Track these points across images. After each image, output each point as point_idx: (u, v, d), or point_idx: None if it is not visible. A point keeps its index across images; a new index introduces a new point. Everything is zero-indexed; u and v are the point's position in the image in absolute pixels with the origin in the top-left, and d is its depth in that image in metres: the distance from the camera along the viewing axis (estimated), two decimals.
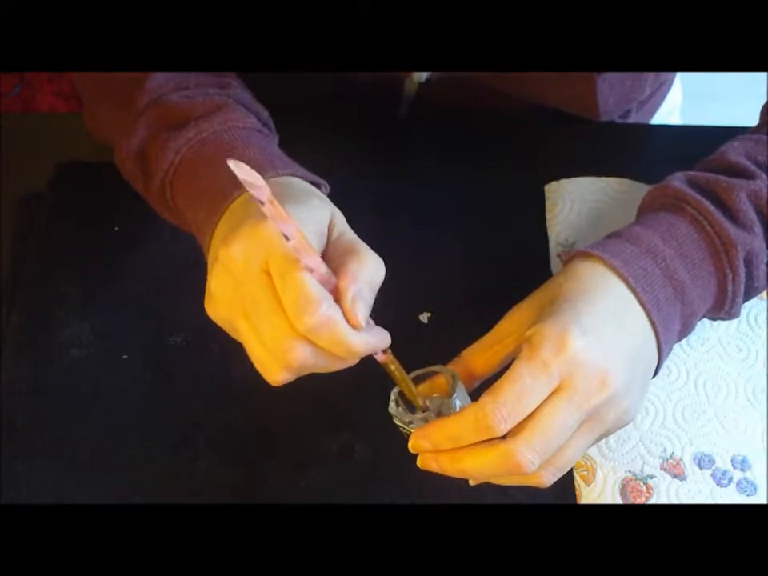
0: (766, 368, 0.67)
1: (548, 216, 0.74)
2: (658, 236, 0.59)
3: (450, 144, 0.79)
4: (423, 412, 0.54)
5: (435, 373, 0.57)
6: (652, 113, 0.94)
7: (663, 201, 0.62)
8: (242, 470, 0.64)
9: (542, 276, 0.71)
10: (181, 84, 0.65)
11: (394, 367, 0.54)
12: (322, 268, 0.49)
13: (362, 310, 0.50)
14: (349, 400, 0.66)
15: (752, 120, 0.72)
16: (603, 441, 0.64)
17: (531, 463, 0.50)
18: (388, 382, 0.62)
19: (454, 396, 0.54)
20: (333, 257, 0.52)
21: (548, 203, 0.74)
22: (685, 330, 0.59)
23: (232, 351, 0.68)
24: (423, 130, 0.81)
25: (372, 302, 0.51)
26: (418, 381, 0.56)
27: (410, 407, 0.55)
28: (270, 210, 0.46)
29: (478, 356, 0.58)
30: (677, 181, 0.63)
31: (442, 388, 0.56)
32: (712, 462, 0.63)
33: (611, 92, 0.80)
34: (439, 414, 0.54)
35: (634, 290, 0.56)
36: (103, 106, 0.69)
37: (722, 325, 0.68)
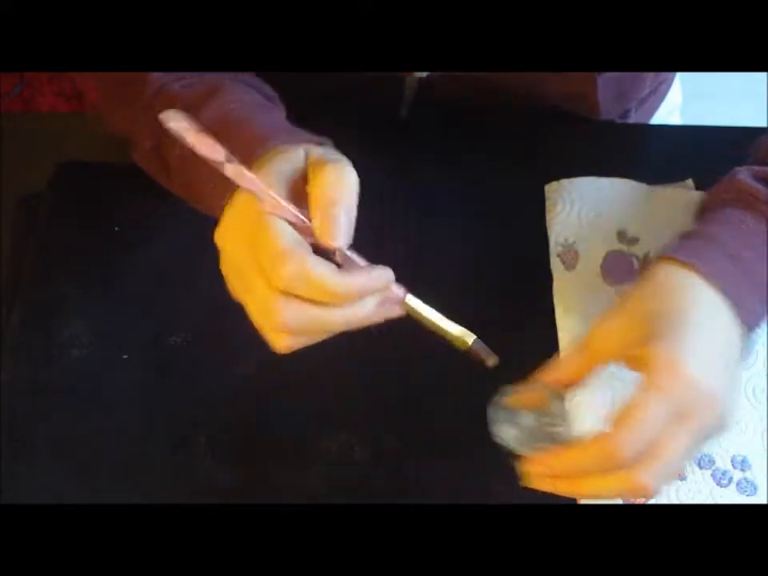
0: (765, 368, 0.67)
1: (548, 216, 0.74)
2: (739, 237, 0.58)
3: (450, 144, 0.79)
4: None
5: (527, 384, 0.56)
6: (651, 112, 0.94)
7: (731, 196, 0.61)
8: (242, 470, 0.64)
9: (541, 276, 0.71)
10: (180, 75, 0.65)
11: (410, 307, 0.53)
12: (297, 217, 0.48)
13: (333, 231, 0.48)
14: (349, 400, 0.66)
15: (752, 120, 0.72)
16: None
17: (654, 488, 0.51)
18: (388, 381, 0.62)
19: (562, 417, 0.54)
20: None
21: (548, 203, 0.74)
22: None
23: (232, 351, 0.68)
24: (423, 128, 0.81)
25: (350, 216, 0.49)
26: (509, 392, 0.56)
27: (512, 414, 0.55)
28: (231, 171, 0.47)
29: (571, 369, 0.56)
30: (742, 175, 0.62)
31: (535, 402, 0.55)
32: (712, 462, 0.63)
33: (611, 90, 0.80)
34: (549, 437, 0.54)
35: (732, 304, 0.55)
36: (114, 103, 0.70)
37: None
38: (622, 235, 0.72)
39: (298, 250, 0.47)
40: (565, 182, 0.75)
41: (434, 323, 0.54)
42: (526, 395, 0.56)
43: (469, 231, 0.74)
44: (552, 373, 0.56)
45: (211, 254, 0.73)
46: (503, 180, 0.76)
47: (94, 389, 0.67)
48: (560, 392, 0.56)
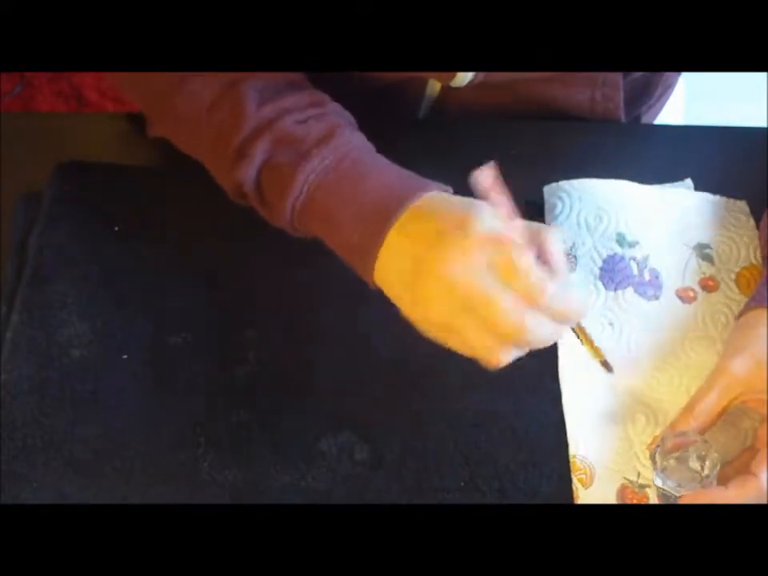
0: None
1: (547, 218, 0.73)
2: None
3: (450, 144, 0.79)
4: (607, 370, 0.64)
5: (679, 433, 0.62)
6: (656, 115, 0.94)
7: None
8: (242, 470, 0.64)
9: None
10: (285, 107, 0.65)
11: (579, 328, 0.62)
12: (528, 251, 0.57)
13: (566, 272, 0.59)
14: (349, 400, 0.66)
15: (752, 120, 0.72)
16: (603, 446, 0.64)
17: None
18: (388, 381, 0.62)
19: (713, 464, 0.60)
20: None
21: (547, 205, 0.74)
22: None
23: (232, 351, 0.69)
24: (425, 129, 0.81)
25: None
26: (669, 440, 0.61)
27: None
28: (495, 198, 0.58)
29: (709, 416, 0.62)
30: None
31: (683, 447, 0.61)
32: None
33: (625, 95, 0.80)
34: (699, 480, 0.60)
35: None
36: (189, 128, 0.68)
37: (719, 333, 0.68)
38: (621, 238, 0.72)
39: (551, 280, 0.57)
40: (564, 183, 0.75)
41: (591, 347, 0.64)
42: (677, 442, 0.61)
43: None
44: (691, 420, 0.61)
45: (211, 254, 0.73)
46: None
47: (94, 389, 0.67)
48: (705, 438, 0.61)
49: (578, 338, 0.63)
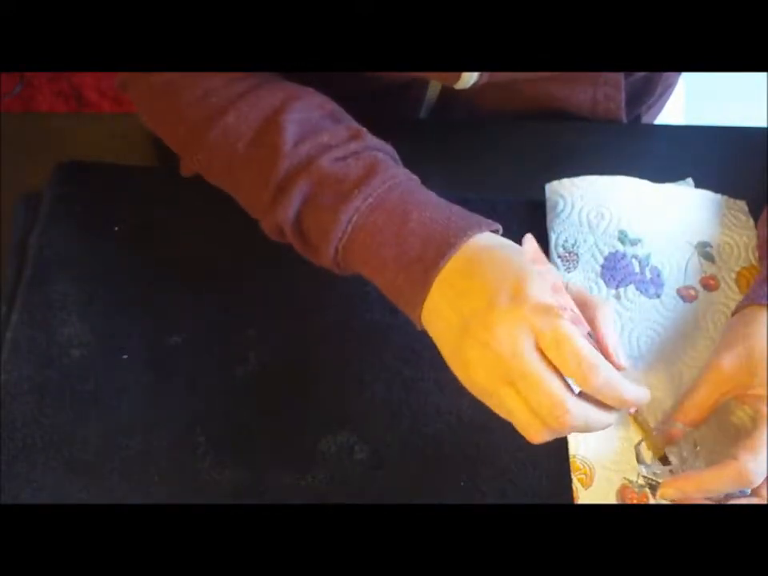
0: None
1: (548, 216, 0.73)
2: None
3: (451, 143, 0.79)
4: (664, 464, 0.61)
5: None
6: (656, 114, 0.94)
7: None
8: (242, 470, 0.64)
9: None
10: (324, 143, 0.63)
11: (641, 419, 0.62)
12: (582, 328, 0.56)
13: (624, 358, 0.57)
14: (349, 400, 0.66)
15: (752, 120, 0.72)
16: (603, 446, 0.64)
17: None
18: (388, 381, 0.62)
19: (696, 449, 0.62)
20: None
21: (548, 203, 0.74)
22: None
23: (232, 351, 0.68)
24: (426, 129, 0.81)
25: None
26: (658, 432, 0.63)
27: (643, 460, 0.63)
28: (556, 290, 0.56)
29: (699, 411, 0.62)
30: None
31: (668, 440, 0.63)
32: None
33: (627, 94, 0.80)
34: (685, 464, 0.61)
35: None
36: (224, 165, 0.67)
37: (719, 332, 0.68)
38: (623, 236, 0.72)
39: (604, 361, 0.55)
40: (566, 181, 0.75)
41: (649, 436, 0.63)
42: (666, 434, 0.62)
43: None
44: (681, 416, 0.62)
45: (211, 254, 0.73)
46: (503, 179, 0.76)
47: (94, 389, 0.67)
48: (692, 431, 0.62)
49: (636, 426, 0.62)
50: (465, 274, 0.57)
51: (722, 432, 0.64)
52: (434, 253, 0.58)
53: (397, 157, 0.66)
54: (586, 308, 0.58)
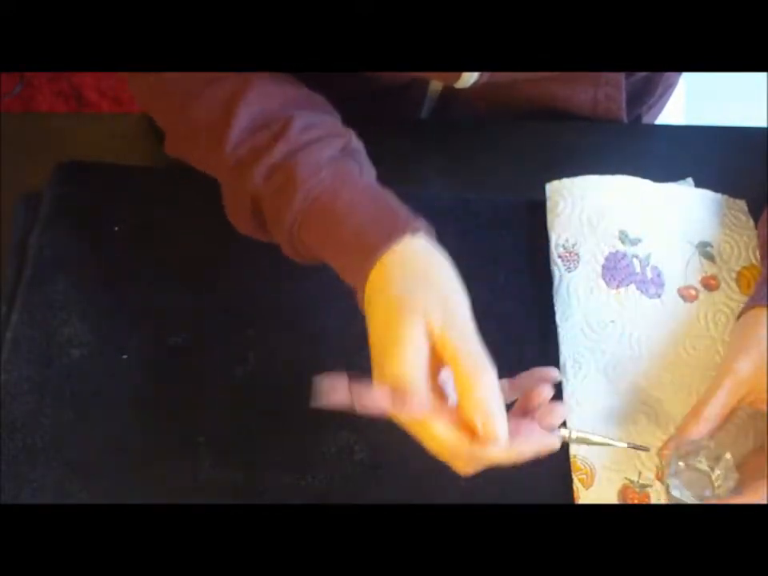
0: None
1: (549, 216, 0.73)
2: None
3: (451, 143, 0.79)
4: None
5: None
6: (657, 114, 0.94)
7: None
8: (242, 470, 0.64)
9: (542, 276, 0.71)
10: (256, 146, 0.64)
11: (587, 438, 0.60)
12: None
13: (498, 429, 0.54)
14: None
15: (752, 120, 0.72)
16: (604, 448, 0.64)
17: None
18: None
19: (727, 458, 0.60)
20: (443, 354, 0.55)
21: (549, 203, 0.74)
22: None
23: (232, 351, 0.68)
24: (426, 129, 0.81)
25: (503, 406, 0.54)
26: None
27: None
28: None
29: (719, 419, 0.61)
30: None
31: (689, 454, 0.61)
32: None
33: (628, 94, 0.80)
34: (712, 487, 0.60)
35: None
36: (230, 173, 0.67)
37: (719, 332, 0.68)
38: (623, 236, 0.72)
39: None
40: (566, 181, 0.75)
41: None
42: (689, 449, 0.61)
43: (468, 231, 0.74)
44: (701, 424, 0.61)
45: (212, 254, 0.73)
46: (504, 179, 0.76)
47: (94, 389, 0.67)
48: (713, 445, 0.61)
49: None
50: (377, 293, 0.58)
51: (734, 439, 0.64)
52: (356, 277, 0.59)
53: (339, 130, 0.65)
54: (457, 373, 0.56)
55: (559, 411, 0.58)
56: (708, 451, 0.60)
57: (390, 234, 0.59)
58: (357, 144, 0.66)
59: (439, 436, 0.55)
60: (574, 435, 0.58)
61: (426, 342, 0.55)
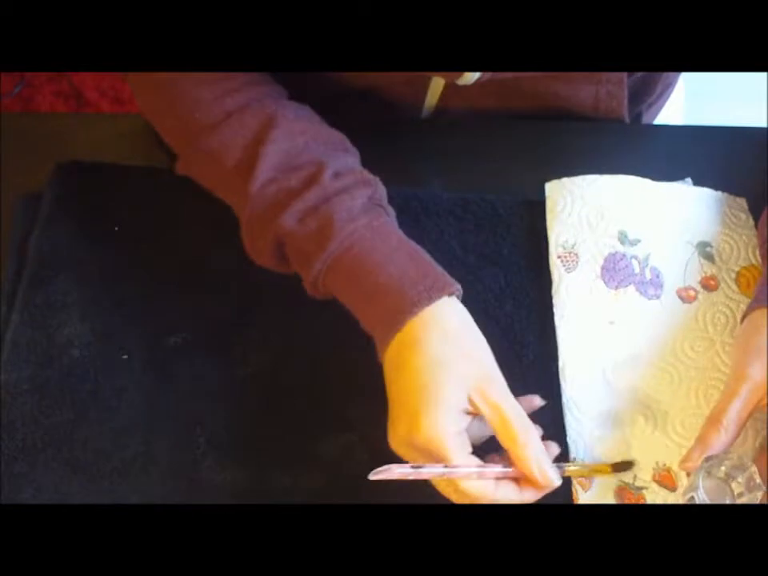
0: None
1: (548, 216, 0.73)
2: None
3: (451, 143, 0.79)
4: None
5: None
6: (657, 114, 0.94)
7: None
8: (242, 470, 0.64)
9: (542, 276, 0.71)
10: (287, 187, 0.64)
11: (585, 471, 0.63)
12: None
13: (554, 478, 0.58)
14: (349, 400, 0.66)
15: (752, 120, 0.72)
16: (602, 448, 0.64)
17: None
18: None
19: (752, 470, 0.59)
20: (483, 414, 0.58)
21: (548, 202, 0.74)
22: None
23: (232, 351, 0.68)
24: (426, 129, 0.81)
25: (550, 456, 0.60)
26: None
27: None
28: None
29: (739, 427, 0.61)
30: None
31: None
32: None
33: (628, 92, 0.80)
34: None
35: None
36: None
37: (719, 333, 0.68)
38: (623, 236, 0.72)
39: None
40: (566, 180, 0.74)
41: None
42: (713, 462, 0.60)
43: (468, 231, 0.74)
44: (722, 432, 0.60)
45: (211, 254, 0.73)
46: (503, 179, 0.76)
47: (94, 389, 0.67)
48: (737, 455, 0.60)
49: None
50: (409, 349, 0.60)
51: (740, 440, 0.63)
52: (384, 328, 0.61)
53: (367, 178, 0.66)
54: (506, 440, 0.59)
55: (552, 450, 0.61)
56: (731, 461, 0.59)
57: (431, 292, 0.60)
58: (382, 191, 0.67)
59: (465, 490, 0.57)
60: (566, 471, 0.62)
61: (466, 404, 0.58)
